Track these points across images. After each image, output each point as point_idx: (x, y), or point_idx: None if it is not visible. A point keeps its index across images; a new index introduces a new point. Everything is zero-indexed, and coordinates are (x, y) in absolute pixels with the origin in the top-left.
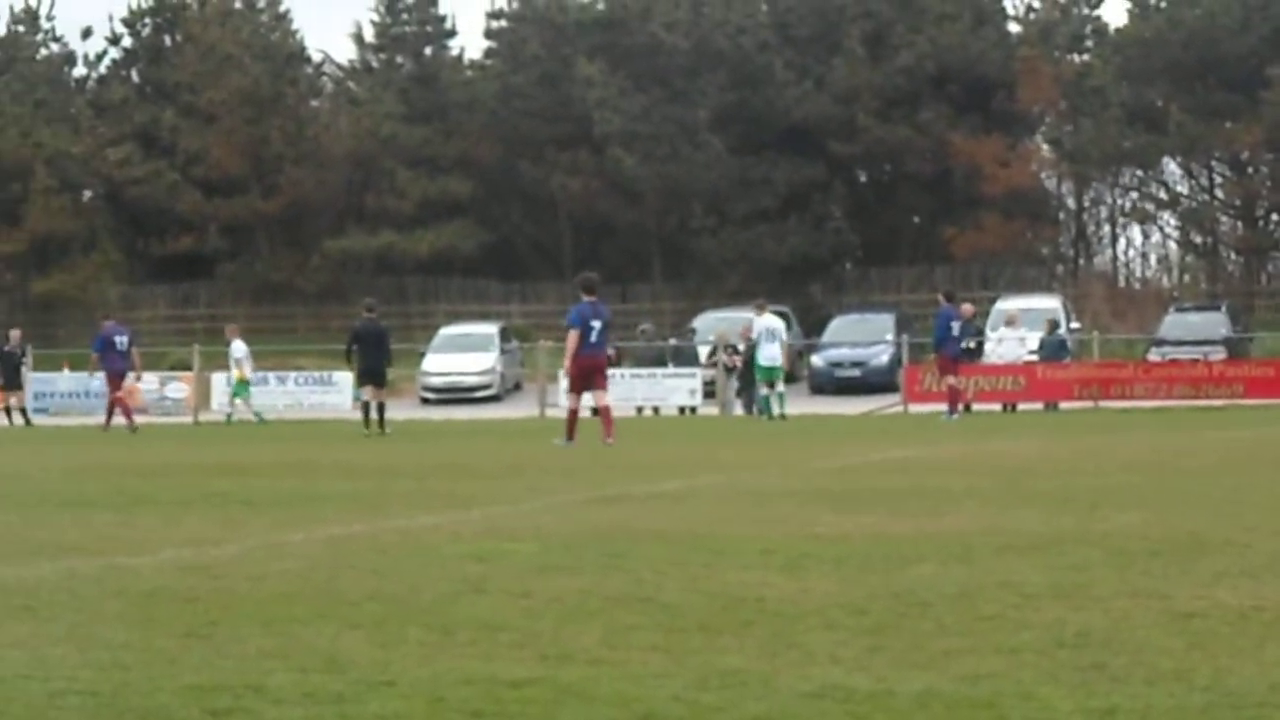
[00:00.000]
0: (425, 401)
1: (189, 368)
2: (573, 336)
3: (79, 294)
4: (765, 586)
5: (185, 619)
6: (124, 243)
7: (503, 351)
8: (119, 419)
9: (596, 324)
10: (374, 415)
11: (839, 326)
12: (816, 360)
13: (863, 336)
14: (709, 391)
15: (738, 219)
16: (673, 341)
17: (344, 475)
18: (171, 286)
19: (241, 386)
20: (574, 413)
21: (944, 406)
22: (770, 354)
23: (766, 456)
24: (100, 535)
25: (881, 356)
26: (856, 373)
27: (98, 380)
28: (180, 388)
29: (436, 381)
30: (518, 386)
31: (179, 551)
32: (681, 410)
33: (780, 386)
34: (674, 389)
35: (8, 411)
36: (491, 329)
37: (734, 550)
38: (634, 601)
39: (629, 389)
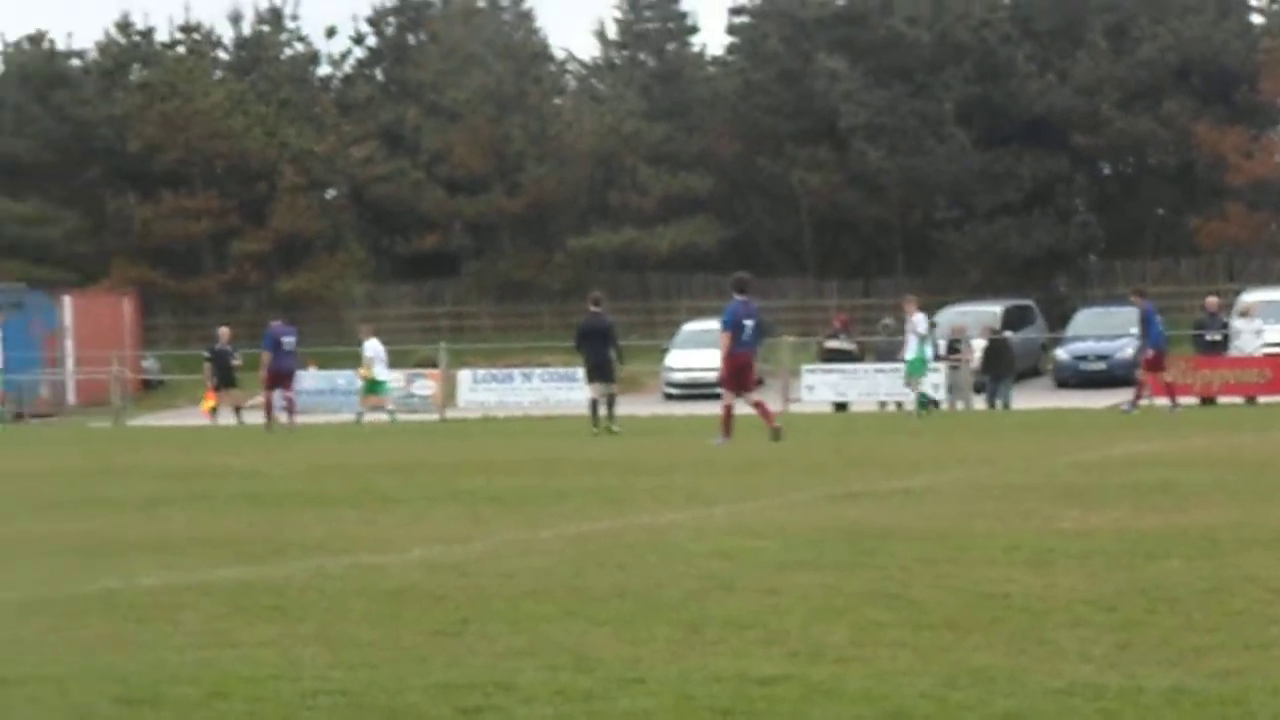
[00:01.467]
0: (669, 397)
1: (435, 365)
2: (726, 337)
3: (325, 292)
4: (1011, 583)
5: (434, 617)
6: (369, 241)
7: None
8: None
9: (749, 323)
10: (603, 412)
11: (1083, 320)
12: (1061, 354)
13: (1107, 329)
14: (953, 386)
15: (981, 213)
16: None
17: (589, 471)
18: (416, 285)
19: (372, 385)
20: (729, 409)
21: (1188, 400)
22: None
23: (1009, 451)
24: (346, 534)
25: (1126, 350)
26: (1101, 366)
27: (342, 379)
28: (427, 385)
29: (680, 377)
30: (760, 382)
31: (426, 549)
32: (923, 405)
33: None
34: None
35: (214, 411)
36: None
37: (979, 546)
38: (881, 598)
39: (872, 384)
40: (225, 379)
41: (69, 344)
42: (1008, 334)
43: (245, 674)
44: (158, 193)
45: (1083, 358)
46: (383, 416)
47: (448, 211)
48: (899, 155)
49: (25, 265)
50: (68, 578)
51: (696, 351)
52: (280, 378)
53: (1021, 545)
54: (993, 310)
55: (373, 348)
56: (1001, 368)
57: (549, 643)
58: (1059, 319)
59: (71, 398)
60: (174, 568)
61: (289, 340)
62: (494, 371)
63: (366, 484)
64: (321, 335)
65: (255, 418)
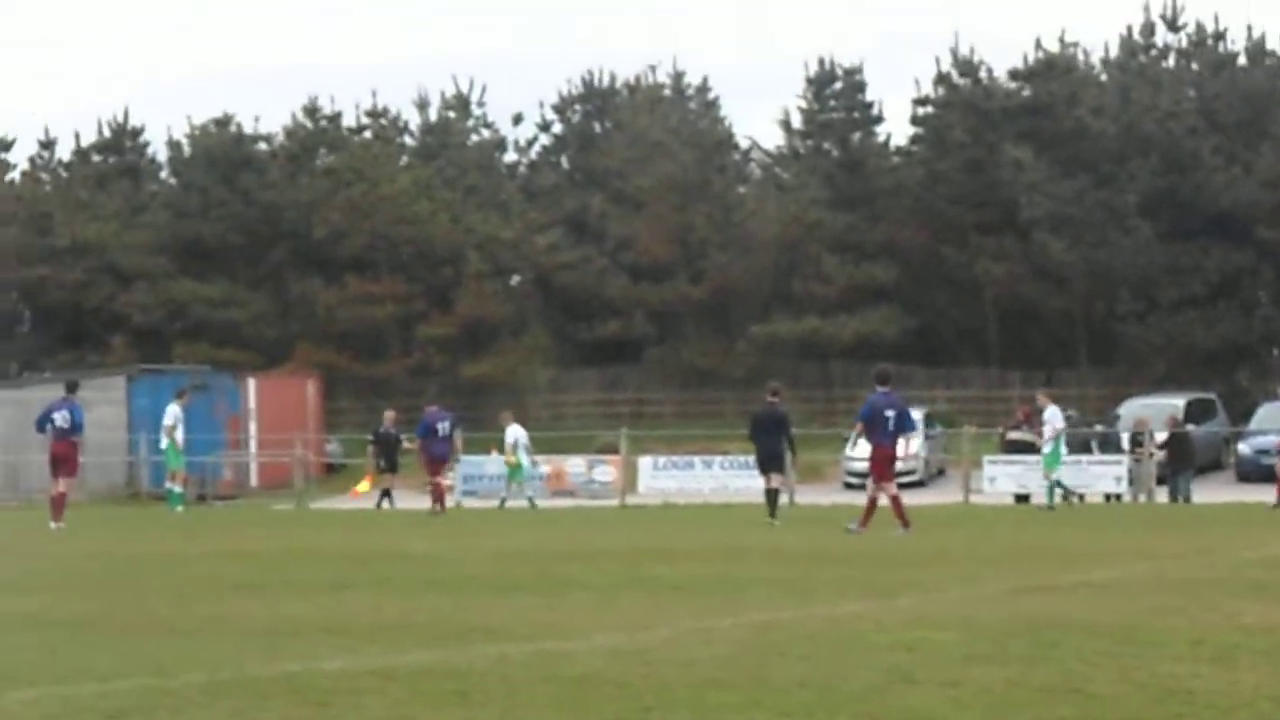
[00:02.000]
0: (849, 486)
1: (616, 451)
2: (859, 427)
3: (509, 377)
4: (1195, 679)
5: (617, 705)
6: (553, 327)
7: (927, 437)
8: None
9: (890, 414)
10: (780, 500)
11: (1266, 413)
12: (1243, 448)
13: None
14: (1135, 478)
15: (1165, 305)
16: (1098, 428)
17: (771, 561)
18: (599, 370)
19: (514, 471)
20: (874, 501)
21: None
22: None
23: (1192, 544)
24: (529, 619)
25: None
26: None
27: (527, 463)
28: (607, 471)
29: (859, 466)
30: (941, 472)
31: (609, 636)
32: (1107, 498)
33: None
34: (1099, 475)
35: (388, 494)
36: (916, 414)
37: (1163, 641)
38: (1063, 693)
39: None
40: (390, 462)
41: (252, 426)
42: (1190, 427)
43: None
44: (343, 277)
45: (1264, 452)
46: (522, 503)
47: (631, 298)
48: (1083, 247)
49: (210, 348)
50: (251, 660)
51: None
52: (434, 464)
53: (1205, 640)
54: (1175, 403)
55: (514, 433)
56: (1183, 461)
57: None
58: (1241, 413)
59: (254, 480)
60: (356, 651)
61: (443, 426)
62: (674, 458)
63: (548, 569)
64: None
65: (402, 503)
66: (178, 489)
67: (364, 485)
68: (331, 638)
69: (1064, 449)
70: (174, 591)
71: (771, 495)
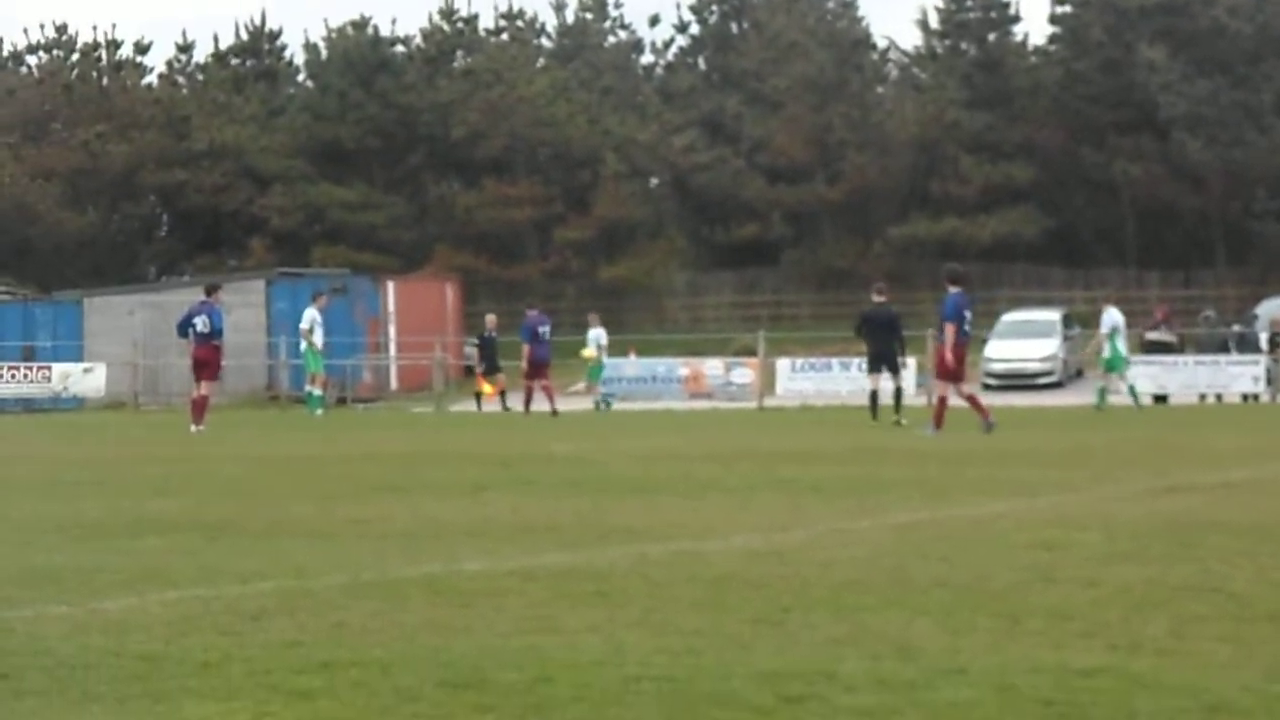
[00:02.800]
0: (987, 387)
1: (753, 353)
2: (951, 329)
3: (646, 280)
4: None
5: (756, 604)
6: (689, 229)
7: (1065, 338)
8: (542, 404)
9: (968, 314)
10: (887, 401)
11: None
12: None
13: None
14: (1271, 378)
15: None
16: (1236, 328)
17: (910, 462)
18: (736, 273)
19: (595, 370)
20: (944, 401)
21: None
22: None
23: None
24: (669, 520)
25: None
26: None
27: (661, 367)
28: (745, 373)
29: (999, 368)
30: (1079, 373)
31: (748, 537)
32: (1245, 398)
33: (1112, 381)
34: (1236, 376)
35: (478, 397)
36: (1054, 315)
37: None
38: (1202, 591)
39: (1191, 375)
40: (491, 365)
41: (392, 329)
42: None
43: (569, 660)
44: (480, 180)
45: None
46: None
47: (768, 200)
48: (1219, 146)
49: (349, 251)
50: (392, 562)
51: (1016, 342)
52: (537, 367)
53: None
54: None
55: (597, 334)
56: None
57: (870, 632)
58: None
59: (394, 383)
60: (497, 553)
61: (544, 330)
62: (812, 360)
63: (687, 471)
64: (642, 323)
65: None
66: (317, 392)
67: (487, 388)
68: (472, 539)
69: (1124, 349)
70: (314, 494)
71: (896, 395)
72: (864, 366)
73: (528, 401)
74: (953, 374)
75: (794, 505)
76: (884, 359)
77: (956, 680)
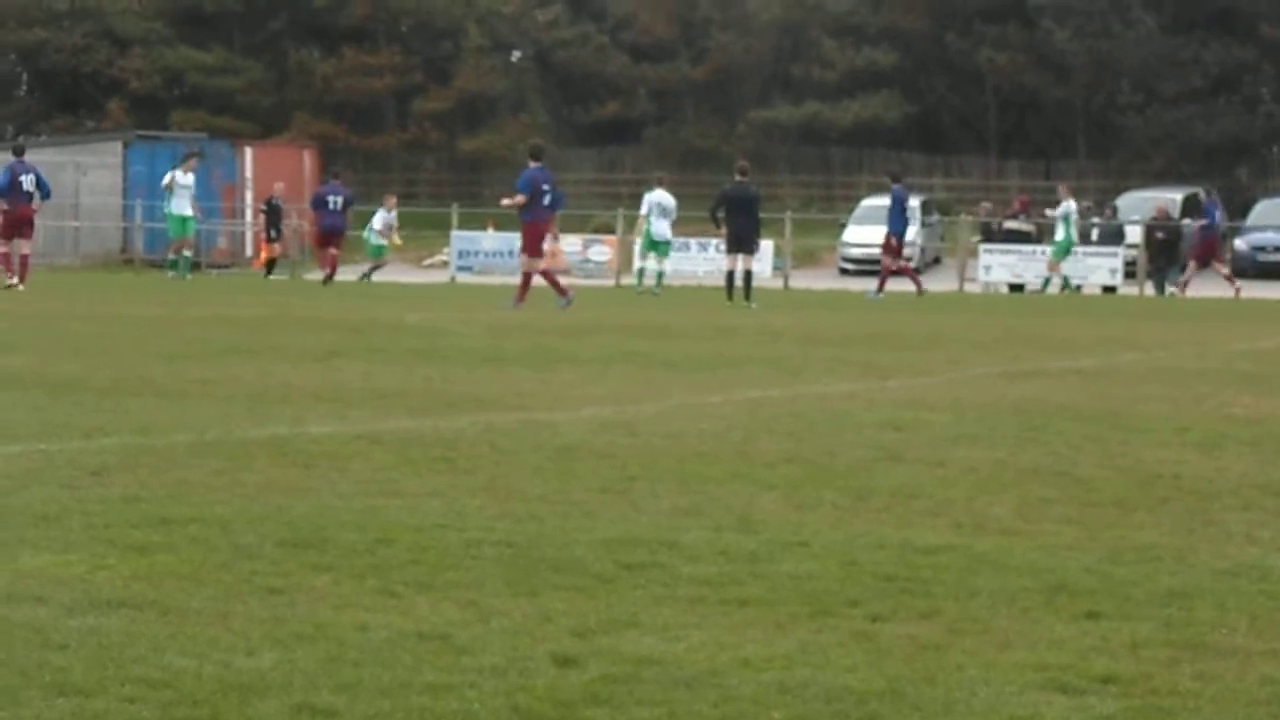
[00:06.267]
0: (844, 272)
1: (612, 231)
2: (521, 199)
3: (505, 154)
4: (1181, 465)
5: (602, 474)
6: (551, 105)
7: (924, 225)
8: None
9: (547, 188)
10: (739, 284)
11: (1263, 210)
12: (1239, 244)
13: None
14: (1130, 272)
15: (1166, 98)
16: (1095, 220)
17: (764, 341)
18: (597, 150)
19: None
20: (529, 277)
21: None
22: (660, 229)
23: (1183, 337)
24: (519, 391)
25: None
26: (1278, 257)
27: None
28: (603, 251)
29: (856, 253)
30: (937, 260)
31: (598, 409)
32: (1105, 289)
33: (665, 265)
34: (1095, 267)
35: (272, 264)
36: (913, 202)
37: (1149, 428)
38: (1048, 475)
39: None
40: (277, 231)
41: (248, 196)
42: (1186, 221)
43: (411, 522)
44: (341, 48)
45: (1261, 248)
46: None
47: (631, 78)
48: (1086, 37)
49: (207, 115)
50: (238, 422)
51: (874, 227)
52: (325, 236)
53: (1192, 428)
54: (1172, 197)
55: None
56: (1167, 256)
57: (715, 504)
58: (1239, 209)
59: (249, 249)
60: (345, 418)
61: (336, 199)
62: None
63: (540, 344)
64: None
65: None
66: (178, 255)
67: (264, 255)
68: (320, 403)
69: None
70: (163, 354)
71: (746, 278)
72: (722, 247)
73: (329, 269)
74: (532, 248)
75: (645, 379)
76: (742, 241)
77: (799, 553)
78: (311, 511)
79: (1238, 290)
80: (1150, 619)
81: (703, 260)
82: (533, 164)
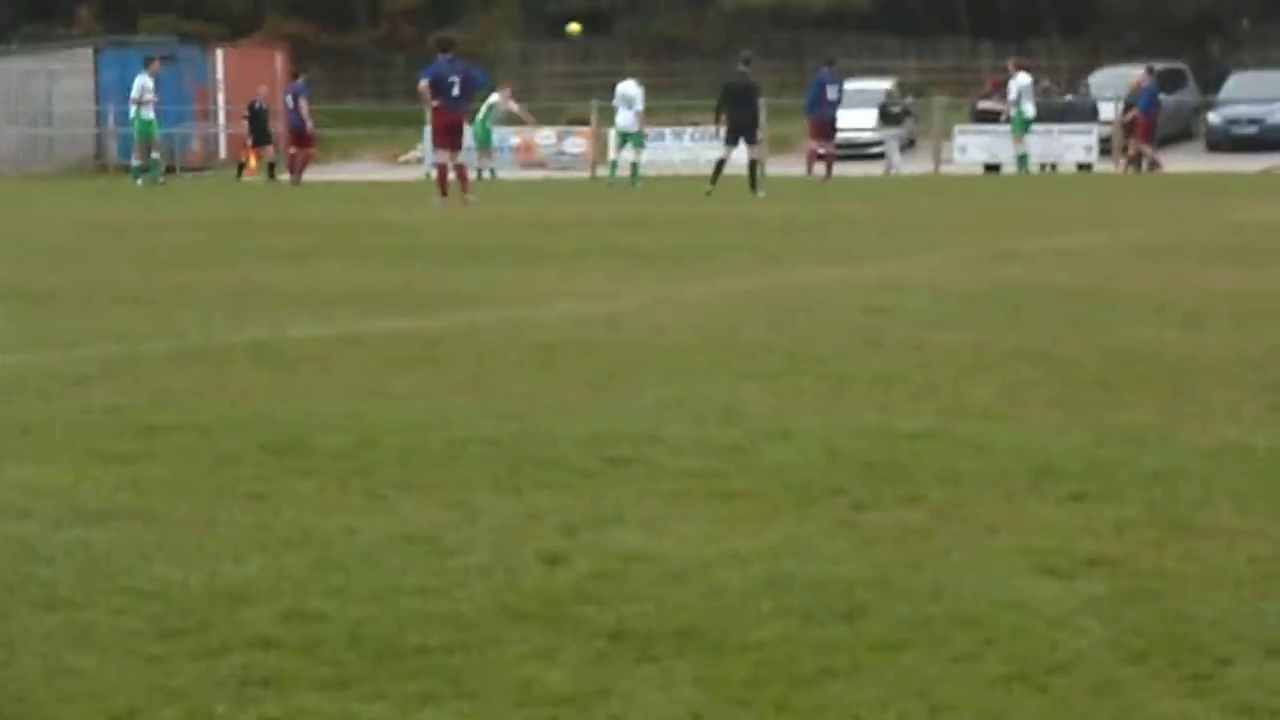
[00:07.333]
0: (820, 156)
1: (586, 123)
2: (424, 88)
3: (478, 49)
4: (1162, 342)
5: (583, 370)
6: None
7: (887, 109)
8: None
9: (455, 80)
10: (743, 174)
11: (1236, 84)
12: (1213, 118)
13: (1260, 93)
14: (1105, 149)
15: None
16: (1069, 98)
17: (742, 229)
18: (568, 42)
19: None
20: (443, 170)
21: None
22: (623, 120)
23: (1163, 213)
24: (500, 288)
25: (1278, 114)
26: (1253, 130)
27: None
28: (578, 143)
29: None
30: (912, 143)
31: (577, 304)
32: (1080, 167)
33: (639, 155)
34: (1069, 146)
35: (272, 168)
36: (886, 84)
37: (1130, 306)
38: (1030, 356)
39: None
40: (261, 136)
41: (221, 98)
42: (1161, 96)
43: (394, 423)
44: None
45: (1234, 121)
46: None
47: None
48: None
49: (177, 20)
50: (217, 327)
51: (848, 111)
52: (294, 135)
53: (1173, 305)
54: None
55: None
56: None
57: (697, 396)
58: (1212, 83)
59: (223, 152)
60: (324, 320)
61: (288, 98)
62: (646, 130)
63: (519, 239)
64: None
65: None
66: (138, 162)
67: (251, 161)
68: (299, 305)
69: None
70: (140, 261)
71: (751, 167)
72: (696, 136)
73: (292, 169)
74: (444, 140)
75: (624, 272)
76: (743, 130)
77: (781, 443)
78: (293, 415)
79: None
80: (1135, 500)
81: (678, 150)
82: (441, 56)
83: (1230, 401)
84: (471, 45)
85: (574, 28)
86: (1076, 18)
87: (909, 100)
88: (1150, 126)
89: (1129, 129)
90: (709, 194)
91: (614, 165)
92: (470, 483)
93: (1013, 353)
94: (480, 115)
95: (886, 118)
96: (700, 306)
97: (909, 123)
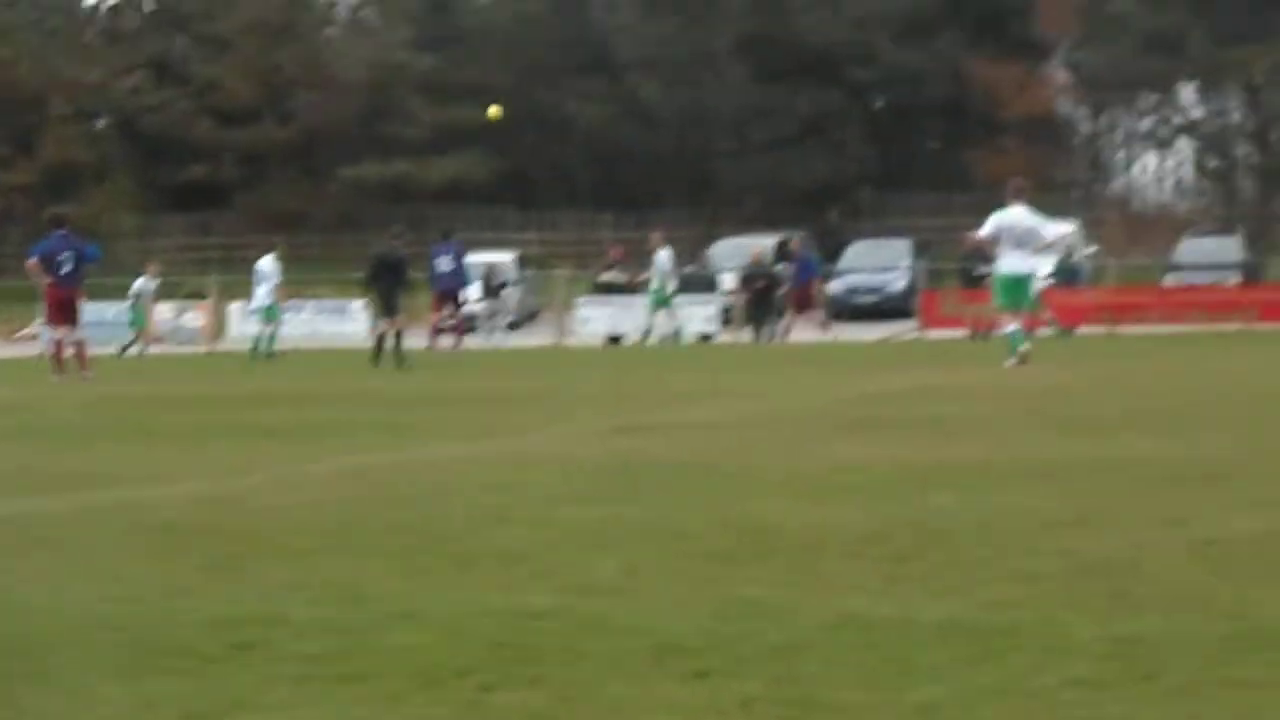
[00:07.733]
0: (441, 331)
1: (205, 297)
2: (33, 266)
3: (93, 224)
4: (786, 516)
5: (205, 551)
6: (138, 172)
7: (520, 280)
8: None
9: (66, 255)
10: (389, 345)
11: (856, 252)
12: (834, 286)
13: (879, 262)
14: (727, 319)
15: (758, 145)
16: (689, 268)
17: (363, 405)
18: (187, 216)
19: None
20: (59, 345)
21: (964, 332)
22: (257, 296)
23: (785, 384)
24: (113, 468)
25: (898, 282)
26: (873, 298)
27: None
28: (196, 317)
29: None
30: (533, 316)
31: (197, 483)
32: (702, 338)
33: (270, 329)
34: (691, 316)
35: None
36: (508, 257)
37: (754, 479)
38: (655, 531)
39: (646, 316)
40: None
41: None
42: (780, 266)
43: (7, 610)
44: None
45: (855, 290)
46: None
47: (218, 141)
48: (676, 88)
49: None
50: None
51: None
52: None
53: (796, 478)
54: (765, 243)
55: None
56: (769, 304)
57: (321, 577)
58: (832, 251)
59: None
60: None
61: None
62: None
63: (134, 416)
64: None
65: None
66: None
67: None
68: None
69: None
70: None
71: (396, 339)
72: (322, 309)
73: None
74: (58, 317)
75: (248, 450)
76: (390, 305)
77: (407, 624)
78: None
79: (832, 335)
80: (759, 676)
81: (299, 323)
82: (54, 231)
83: (852, 573)
84: (87, 220)
85: (494, 111)
86: (698, 188)
87: (515, 274)
88: (807, 294)
89: (797, 301)
90: (376, 369)
91: (257, 340)
92: (89, 670)
93: (637, 527)
94: (129, 303)
95: (488, 290)
96: (325, 484)
97: (517, 293)
